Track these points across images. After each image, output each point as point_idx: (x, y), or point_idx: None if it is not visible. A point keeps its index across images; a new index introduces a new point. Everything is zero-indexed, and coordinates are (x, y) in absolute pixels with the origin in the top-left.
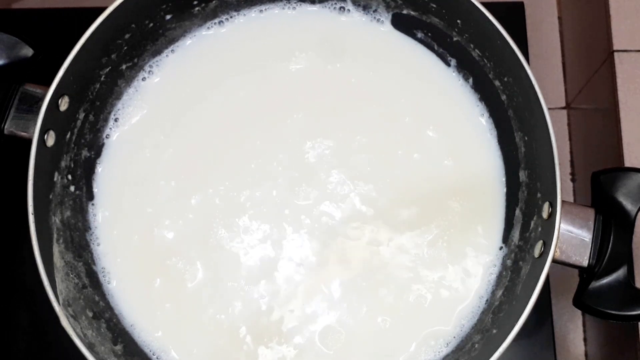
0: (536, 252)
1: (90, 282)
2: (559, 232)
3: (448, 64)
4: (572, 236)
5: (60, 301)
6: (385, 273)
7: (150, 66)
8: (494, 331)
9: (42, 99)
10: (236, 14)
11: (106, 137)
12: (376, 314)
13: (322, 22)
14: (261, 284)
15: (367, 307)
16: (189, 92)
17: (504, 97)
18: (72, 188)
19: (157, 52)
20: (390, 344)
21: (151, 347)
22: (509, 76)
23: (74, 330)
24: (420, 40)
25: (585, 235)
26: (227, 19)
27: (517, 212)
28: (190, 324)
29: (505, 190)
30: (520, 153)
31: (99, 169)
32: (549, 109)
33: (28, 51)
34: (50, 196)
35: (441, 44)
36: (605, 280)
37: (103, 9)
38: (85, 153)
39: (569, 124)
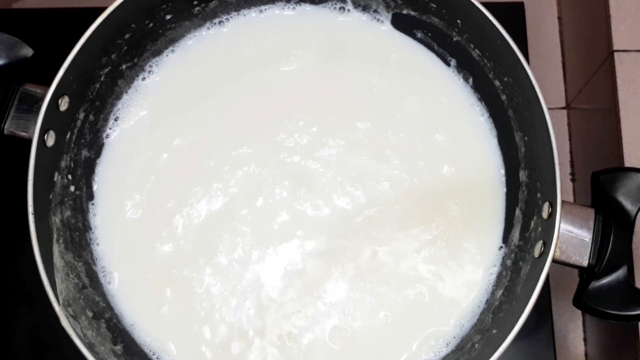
0: (536, 252)
1: (90, 282)
2: (559, 232)
3: (448, 64)
4: (572, 236)
5: (60, 301)
6: (386, 272)
7: (150, 66)
8: (494, 331)
9: (42, 99)
10: (236, 14)
11: (106, 137)
12: (379, 310)
13: (322, 22)
14: (266, 286)
15: (370, 305)
16: (189, 92)
17: (504, 97)
18: (72, 188)
19: (157, 52)
20: (392, 343)
21: (151, 347)
22: (509, 76)
23: (74, 330)
24: (420, 40)
25: (585, 235)
26: (227, 19)
27: (517, 212)
28: (192, 324)
29: (505, 190)
30: (520, 153)
31: (99, 169)
32: (549, 109)
33: (28, 51)
34: (50, 196)
35: (441, 44)
36: (605, 280)
37: (103, 9)
38: (85, 153)
39: (569, 124)
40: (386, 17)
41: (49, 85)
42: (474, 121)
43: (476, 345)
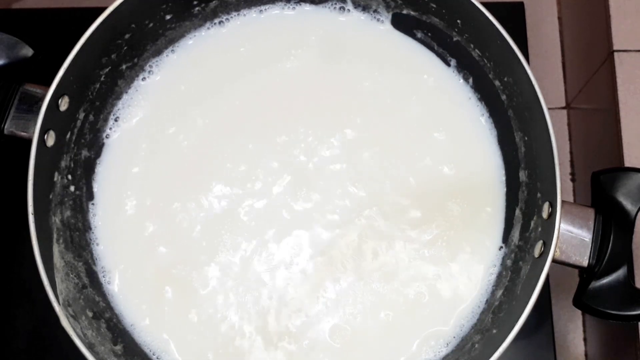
0: (536, 252)
1: (90, 282)
2: (559, 232)
3: (448, 64)
4: (572, 236)
5: (60, 301)
6: (386, 271)
7: (151, 66)
8: (494, 331)
9: (42, 99)
10: (236, 14)
11: (106, 137)
12: (379, 310)
13: (322, 22)
14: (267, 286)
15: (370, 304)
16: (190, 92)
17: (504, 97)
18: (72, 188)
19: (157, 52)
20: (392, 343)
21: (151, 347)
22: (509, 76)
23: (74, 330)
24: (420, 40)
25: (585, 235)
26: (227, 19)
27: (517, 212)
28: (192, 323)
29: (505, 190)
30: (520, 153)
31: (99, 169)
32: (549, 109)
33: (28, 51)
34: (50, 196)
35: (441, 44)
36: (605, 280)
37: (103, 9)
38: (85, 153)
39: (569, 124)
40: (386, 17)
41: (49, 85)
42: (474, 121)
43: (476, 345)
